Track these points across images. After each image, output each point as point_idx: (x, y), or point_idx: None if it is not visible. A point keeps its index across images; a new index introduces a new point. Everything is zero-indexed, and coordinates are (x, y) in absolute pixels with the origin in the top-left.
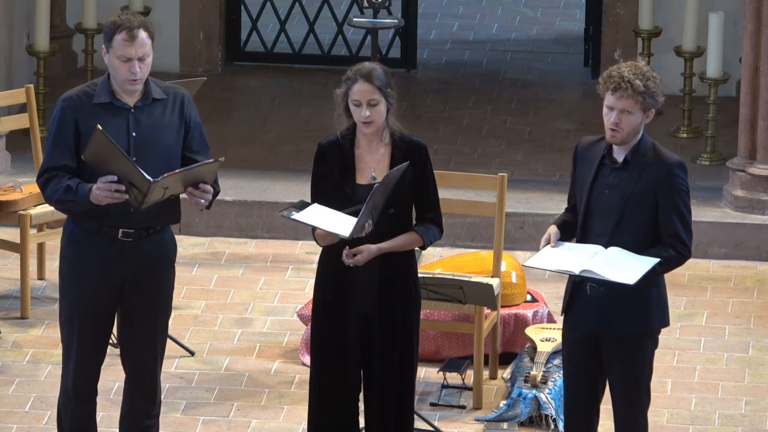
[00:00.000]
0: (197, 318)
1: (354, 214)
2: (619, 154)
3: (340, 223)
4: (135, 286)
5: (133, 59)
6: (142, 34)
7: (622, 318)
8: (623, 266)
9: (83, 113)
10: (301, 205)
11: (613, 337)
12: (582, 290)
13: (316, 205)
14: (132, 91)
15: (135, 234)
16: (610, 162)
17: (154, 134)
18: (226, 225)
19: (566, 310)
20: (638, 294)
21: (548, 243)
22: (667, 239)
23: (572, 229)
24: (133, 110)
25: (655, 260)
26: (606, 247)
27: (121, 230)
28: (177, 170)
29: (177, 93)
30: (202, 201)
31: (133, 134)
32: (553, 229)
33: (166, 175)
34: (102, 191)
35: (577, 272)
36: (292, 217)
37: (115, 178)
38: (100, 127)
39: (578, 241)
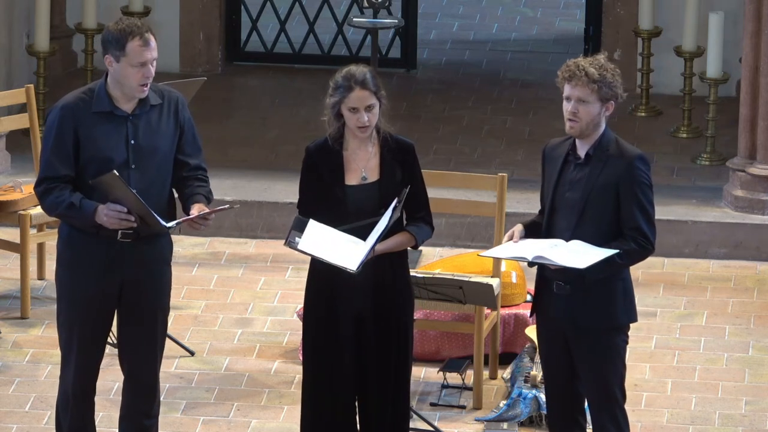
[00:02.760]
0: (197, 318)
1: (350, 231)
2: (582, 150)
3: (345, 253)
4: (135, 286)
5: (148, 63)
6: (152, 37)
7: (587, 314)
8: (578, 255)
9: (83, 121)
10: (300, 225)
11: (580, 333)
12: (548, 289)
13: (313, 224)
14: (138, 97)
15: (133, 235)
16: (573, 158)
17: (152, 141)
18: (226, 225)
19: (534, 311)
20: (603, 289)
21: (511, 239)
22: (629, 232)
23: (540, 230)
24: (131, 117)
25: (612, 251)
26: (568, 241)
27: (120, 231)
28: (192, 214)
29: (171, 96)
30: (202, 227)
31: (132, 142)
32: (518, 227)
33: (180, 220)
34: (110, 218)
35: (530, 258)
36: (299, 248)
37: (125, 209)
38: (116, 173)
39: (544, 237)
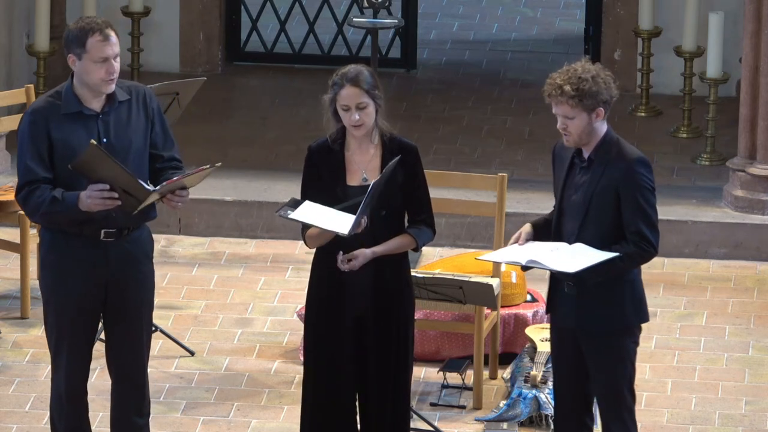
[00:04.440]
0: (197, 318)
1: (346, 209)
2: (586, 153)
3: (337, 221)
4: (120, 284)
5: (110, 58)
6: (112, 33)
7: (595, 315)
8: (574, 258)
9: (54, 124)
10: (294, 204)
11: (589, 335)
12: (560, 290)
13: (308, 203)
14: (105, 92)
15: (116, 233)
16: (579, 161)
17: (125, 137)
18: (226, 225)
19: (548, 311)
20: (611, 292)
21: (516, 241)
22: (631, 236)
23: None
24: (101, 116)
25: (612, 254)
26: (572, 244)
27: (103, 231)
28: (175, 177)
29: (138, 90)
30: (180, 204)
31: (104, 140)
32: (526, 228)
33: (165, 183)
34: (94, 199)
35: (523, 262)
36: (290, 216)
37: (107, 186)
38: (94, 142)
39: (552, 240)
